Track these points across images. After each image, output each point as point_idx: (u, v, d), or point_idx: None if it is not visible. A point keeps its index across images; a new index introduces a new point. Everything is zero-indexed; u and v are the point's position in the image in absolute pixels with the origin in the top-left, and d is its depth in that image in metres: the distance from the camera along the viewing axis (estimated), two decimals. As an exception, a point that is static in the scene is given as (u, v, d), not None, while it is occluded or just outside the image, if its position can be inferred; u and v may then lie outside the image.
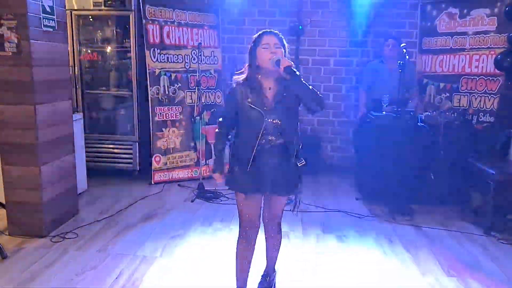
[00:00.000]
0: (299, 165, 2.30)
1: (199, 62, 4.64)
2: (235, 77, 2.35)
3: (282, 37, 2.29)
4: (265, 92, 2.27)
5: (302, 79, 2.15)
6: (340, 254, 3.26)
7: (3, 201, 3.41)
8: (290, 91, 2.23)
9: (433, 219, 3.94)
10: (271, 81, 2.28)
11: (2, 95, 3.21)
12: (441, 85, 4.92)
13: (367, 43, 5.40)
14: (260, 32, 2.29)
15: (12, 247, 3.18)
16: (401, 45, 4.11)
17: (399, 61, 3.91)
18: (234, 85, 2.33)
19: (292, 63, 2.16)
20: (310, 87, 2.17)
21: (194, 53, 5.00)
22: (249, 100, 2.24)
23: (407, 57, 3.97)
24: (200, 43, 4.75)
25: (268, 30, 2.29)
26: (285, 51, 2.27)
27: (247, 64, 2.32)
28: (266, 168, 2.27)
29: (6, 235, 3.36)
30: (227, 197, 4.39)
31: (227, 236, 3.47)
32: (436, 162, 4.25)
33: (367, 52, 5.41)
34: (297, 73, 2.13)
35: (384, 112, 4.30)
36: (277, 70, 2.17)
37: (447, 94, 4.85)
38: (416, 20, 5.20)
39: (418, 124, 4.25)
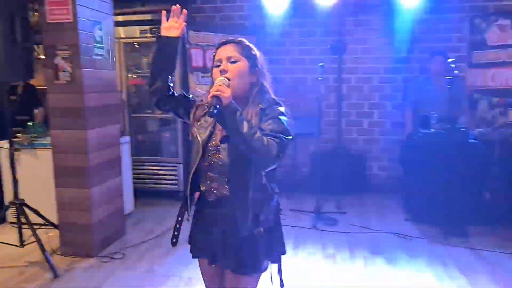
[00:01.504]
0: (256, 233, 1.61)
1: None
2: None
3: (249, 44, 1.64)
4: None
5: (236, 121, 1.44)
6: (390, 277, 3.11)
7: (56, 222, 3.55)
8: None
9: (491, 241, 3.68)
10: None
11: (57, 121, 3.39)
12: (494, 99, 4.68)
13: (412, 59, 5.26)
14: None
15: (64, 266, 3.28)
16: (449, 60, 3.97)
17: (447, 77, 3.77)
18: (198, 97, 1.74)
19: (227, 94, 1.44)
20: (247, 131, 1.44)
21: (236, 75, 5.06)
22: (200, 123, 1.66)
23: (456, 72, 3.82)
24: (242, 65, 4.81)
25: (225, 40, 1.65)
26: (254, 65, 1.62)
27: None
28: (209, 227, 1.69)
29: (58, 254, 3.48)
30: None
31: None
32: (492, 180, 4.01)
33: (412, 68, 5.26)
34: (228, 108, 1.44)
35: (433, 129, 4.13)
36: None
37: (502, 109, 4.60)
38: (463, 33, 5.01)
39: (470, 141, 4.05)
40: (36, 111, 4.43)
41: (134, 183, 4.69)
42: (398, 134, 5.28)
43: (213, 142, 1.62)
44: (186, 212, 1.73)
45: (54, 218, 3.55)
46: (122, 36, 4.98)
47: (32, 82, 4.73)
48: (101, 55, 3.53)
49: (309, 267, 3.30)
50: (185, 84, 4.90)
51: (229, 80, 1.54)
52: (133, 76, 5.25)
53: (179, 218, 1.76)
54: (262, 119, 1.56)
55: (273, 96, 1.67)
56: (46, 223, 3.56)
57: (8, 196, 3.98)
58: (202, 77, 4.90)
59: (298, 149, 5.55)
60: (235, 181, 1.58)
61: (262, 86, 1.64)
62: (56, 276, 3.10)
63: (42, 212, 3.51)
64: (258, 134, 1.47)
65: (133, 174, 4.74)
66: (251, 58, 1.62)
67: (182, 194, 1.72)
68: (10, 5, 3.05)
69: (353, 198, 5.01)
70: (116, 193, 3.83)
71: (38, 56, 4.80)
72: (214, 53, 1.66)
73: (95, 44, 3.44)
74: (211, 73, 1.67)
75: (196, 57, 4.87)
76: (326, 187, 4.58)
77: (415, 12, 4.95)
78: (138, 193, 4.79)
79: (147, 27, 4.93)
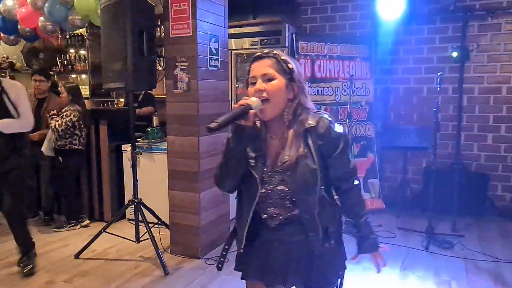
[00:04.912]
0: (328, 246, 1.57)
1: (350, 94, 4.56)
2: None
3: (285, 58, 1.52)
4: (269, 143, 1.56)
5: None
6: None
7: (168, 222, 3.79)
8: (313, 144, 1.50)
9: None
10: (281, 129, 1.54)
11: (173, 127, 3.62)
12: None
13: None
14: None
15: (173, 265, 3.48)
16: None
17: None
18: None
19: (257, 106, 1.45)
20: None
21: (345, 85, 4.94)
22: (252, 160, 1.55)
23: None
24: (352, 75, 4.68)
25: (258, 54, 1.55)
26: (291, 80, 1.51)
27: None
28: (271, 252, 1.63)
29: (168, 253, 3.70)
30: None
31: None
32: None
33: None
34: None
35: None
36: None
37: None
38: None
39: None
40: (154, 117, 4.80)
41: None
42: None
43: (265, 169, 1.55)
44: (236, 242, 1.70)
45: (166, 218, 3.80)
46: (234, 47, 5.18)
47: (152, 91, 5.16)
48: (215, 66, 3.70)
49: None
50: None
51: (267, 100, 1.48)
52: (241, 85, 5.43)
53: (226, 247, 1.76)
54: (320, 142, 1.51)
55: (312, 108, 1.58)
56: (159, 222, 3.83)
57: (128, 195, 4.38)
58: (309, 87, 4.87)
59: (409, 163, 5.21)
60: (300, 201, 1.53)
61: (300, 101, 1.53)
62: (166, 273, 3.30)
63: (156, 212, 3.79)
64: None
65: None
66: (287, 73, 1.50)
67: (235, 227, 1.72)
68: (140, 22, 3.35)
69: (472, 221, 4.52)
70: (222, 199, 3.95)
71: (158, 68, 5.24)
72: (248, 67, 1.57)
73: (211, 56, 3.61)
74: (247, 89, 1.56)
75: (305, 67, 4.85)
76: (440, 206, 4.20)
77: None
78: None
79: (257, 39, 5.06)
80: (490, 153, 4.94)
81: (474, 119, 4.99)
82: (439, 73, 3.96)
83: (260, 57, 1.52)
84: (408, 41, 5.18)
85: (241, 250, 1.65)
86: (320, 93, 4.92)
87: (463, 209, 4.41)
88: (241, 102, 1.44)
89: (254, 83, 1.50)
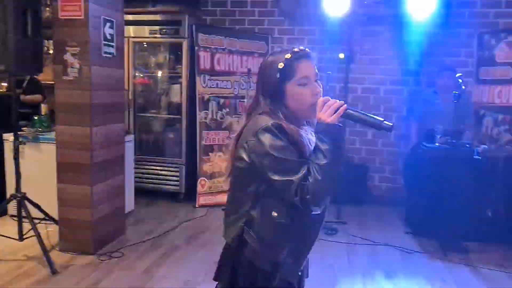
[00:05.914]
0: None
1: (248, 88, 4.70)
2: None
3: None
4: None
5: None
6: (388, 291, 3.10)
7: (56, 217, 3.55)
8: None
9: (491, 259, 3.67)
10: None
11: (63, 116, 3.39)
12: (500, 117, 4.66)
13: (419, 72, 5.26)
14: (287, 55, 1.38)
15: (62, 262, 3.28)
16: (457, 75, 3.97)
17: (454, 91, 3.78)
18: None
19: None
20: None
21: (243, 79, 5.08)
22: None
23: (463, 87, 3.83)
24: (249, 70, 4.83)
25: (306, 51, 1.41)
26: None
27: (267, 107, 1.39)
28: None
29: (57, 250, 3.47)
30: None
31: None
32: (495, 197, 4.00)
33: (419, 81, 5.26)
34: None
35: (437, 144, 4.13)
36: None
37: (507, 127, 4.59)
38: (472, 49, 5.01)
39: (474, 157, 4.04)
40: (42, 105, 4.43)
41: (135, 182, 4.70)
42: (402, 147, 5.28)
43: None
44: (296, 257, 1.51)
45: (54, 213, 3.55)
46: (132, 35, 4.99)
47: (39, 76, 4.75)
48: (110, 53, 3.54)
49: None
50: (192, 87, 4.91)
51: None
52: (140, 75, 5.27)
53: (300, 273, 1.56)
54: None
55: None
56: (46, 218, 3.56)
57: (10, 189, 3.99)
58: (209, 79, 4.91)
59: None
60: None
61: None
62: (53, 272, 3.10)
63: (43, 207, 3.52)
64: None
65: (135, 173, 4.74)
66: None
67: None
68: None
69: (354, 208, 4.99)
70: (118, 192, 3.82)
71: (48, 51, 4.83)
72: (286, 62, 1.38)
73: (105, 42, 3.45)
74: (282, 88, 1.37)
75: (205, 60, 4.88)
76: (327, 195, 4.57)
77: (425, 26, 4.95)
78: (139, 192, 4.79)
79: (156, 27, 4.95)
80: (370, 147, 5.50)
81: (357, 116, 5.48)
82: (328, 72, 4.28)
83: (309, 56, 1.40)
84: (301, 41, 5.49)
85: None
86: (219, 86, 4.99)
87: (346, 198, 4.84)
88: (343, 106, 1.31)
89: (304, 84, 1.37)
